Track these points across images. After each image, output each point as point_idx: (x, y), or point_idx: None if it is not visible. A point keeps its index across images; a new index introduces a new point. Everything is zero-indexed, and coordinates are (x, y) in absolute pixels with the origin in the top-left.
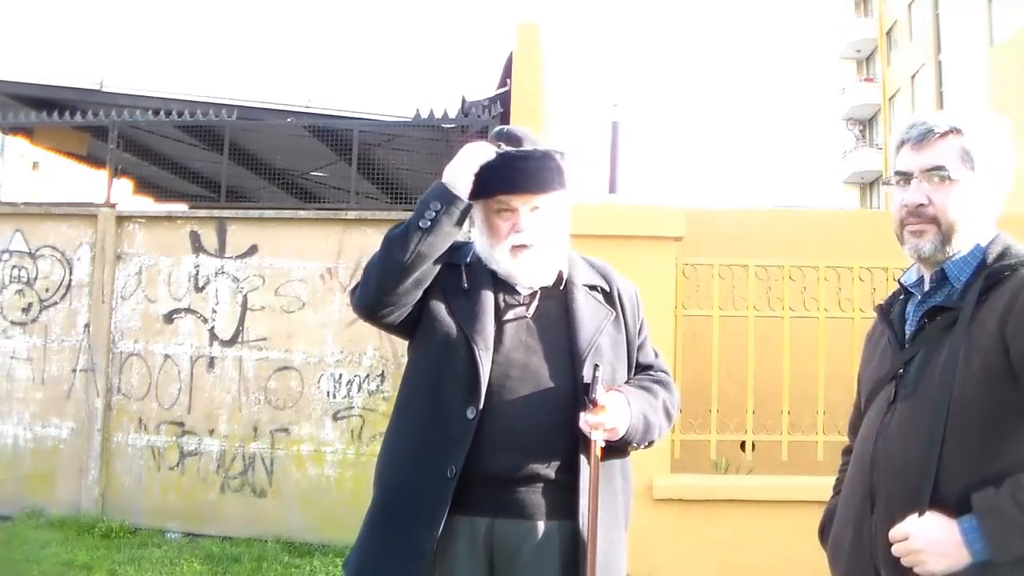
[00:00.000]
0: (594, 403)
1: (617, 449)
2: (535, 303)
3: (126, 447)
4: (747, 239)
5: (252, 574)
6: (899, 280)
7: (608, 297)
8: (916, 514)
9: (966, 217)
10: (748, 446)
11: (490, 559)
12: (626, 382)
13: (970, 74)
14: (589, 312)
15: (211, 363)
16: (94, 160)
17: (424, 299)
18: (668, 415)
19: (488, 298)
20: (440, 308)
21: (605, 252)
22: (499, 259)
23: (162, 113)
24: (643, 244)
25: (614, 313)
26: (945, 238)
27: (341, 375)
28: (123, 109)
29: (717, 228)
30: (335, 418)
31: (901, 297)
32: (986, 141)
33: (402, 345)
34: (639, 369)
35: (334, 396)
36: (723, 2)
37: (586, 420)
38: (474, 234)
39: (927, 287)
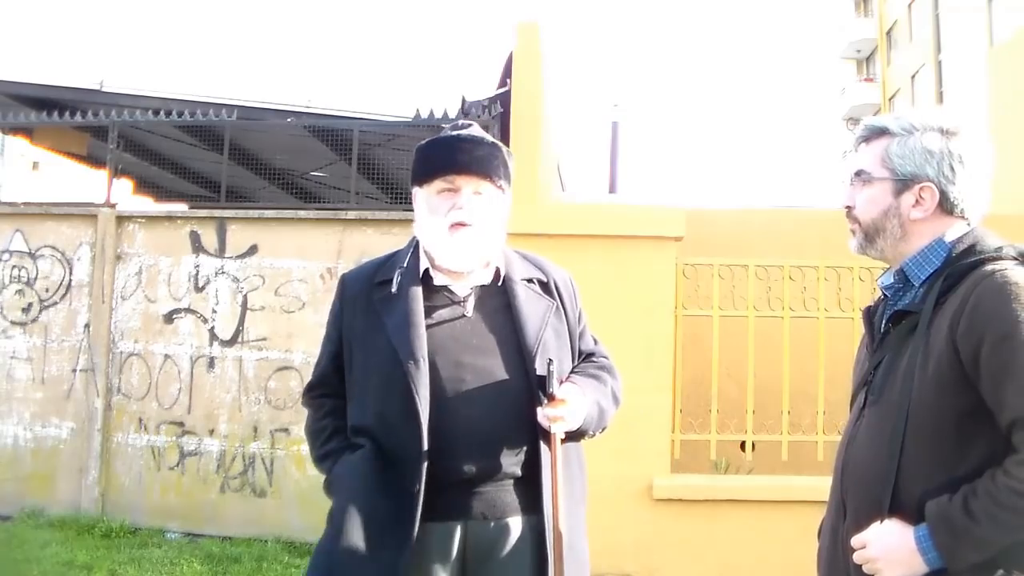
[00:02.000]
0: (551, 397)
1: (570, 437)
2: (473, 301)
3: (126, 447)
4: (747, 239)
5: (252, 574)
6: (878, 282)
7: (546, 288)
8: (878, 521)
9: (882, 217)
10: (748, 446)
11: (462, 561)
12: (572, 371)
13: (970, 74)
14: (531, 306)
15: (211, 363)
16: (94, 160)
17: (348, 330)
18: (616, 400)
19: (417, 304)
20: (369, 332)
21: (605, 252)
22: (436, 238)
23: (162, 113)
24: (643, 244)
25: (555, 303)
26: (868, 237)
27: None
28: (123, 109)
29: (717, 228)
30: None
31: (883, 299)
32: (912, 141)
33: None
34: (581, 357)
35: None
36: (723, 2)
37: (545, 414)
38: (415, 226)
39: (896, 288)
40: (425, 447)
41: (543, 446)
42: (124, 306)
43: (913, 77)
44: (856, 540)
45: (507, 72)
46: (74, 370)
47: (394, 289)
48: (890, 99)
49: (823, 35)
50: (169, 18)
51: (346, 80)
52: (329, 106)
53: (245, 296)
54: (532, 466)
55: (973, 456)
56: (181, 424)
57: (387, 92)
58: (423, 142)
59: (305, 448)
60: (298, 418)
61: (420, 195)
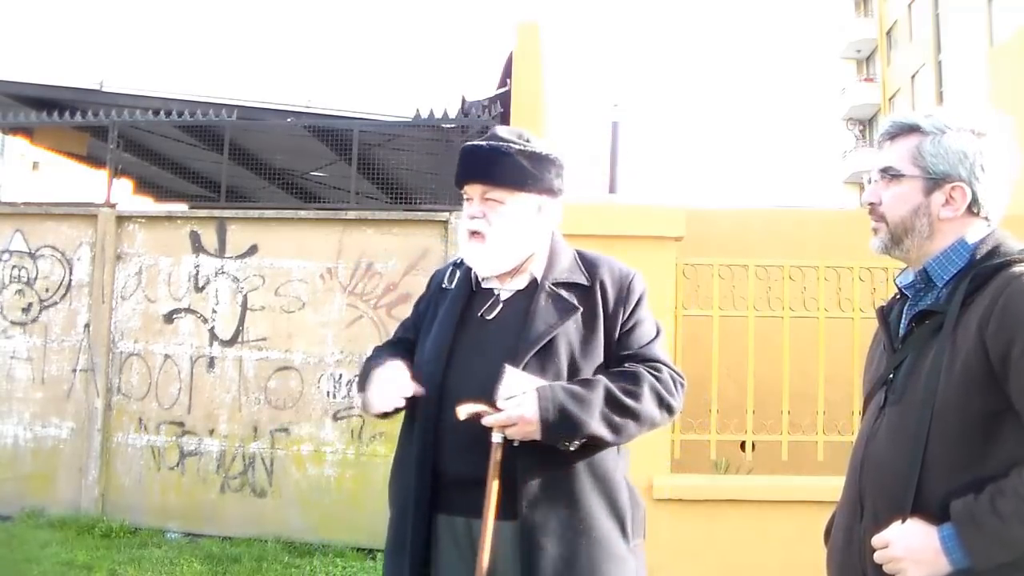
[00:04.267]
0: (493, 404)
1: (588, 447)
2: (499, 306)
3: (126, 447)
4: (747, 239)
5: (252, 574)
6: (895, 281)
7: (585, 292)
8: (899, 521)
9: (912, 215)
10: (748, 446)
11: (475, 555)
12: (578, 379)
13: (970, 74)
14: (544, 312)
15: (211, 363)
16: (94, 160)
17: (419, 322)
18: (623, 407)
19: (455, 304)
20: (427, 326)
21: (605, 252)
22: (461, 244)
23: (162, 113)
24: (643, 244)
25: (579, 310)
26: (894, 236)
27: (341, 375)
28: (123, 109)
29: (717, 228)
30: (335, 418)
31: (899, 298)
32: (946, 141)
33: None
34: (621, 360)
35: (334, 396)
36: (723, 2)
37: (485, 420)
38: None
39: (916, 288)
40: (420, 443)
41: (519, 447)
42: (124, 306)
43: (913, 77)
44: (878, 540)
45: (507, 72)
46: (74, 370)
47: (448, 285)
48: (890, 99)
49: (823, 35)
50: (169, 18)
51: (346, 80)
52: (329, 106)
53: (245, 296)
54: (512, 472)
55: (999, 455)
56: (181, 424)
57: (387, 92)
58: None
59: (305, 448)
60: (298, 418)
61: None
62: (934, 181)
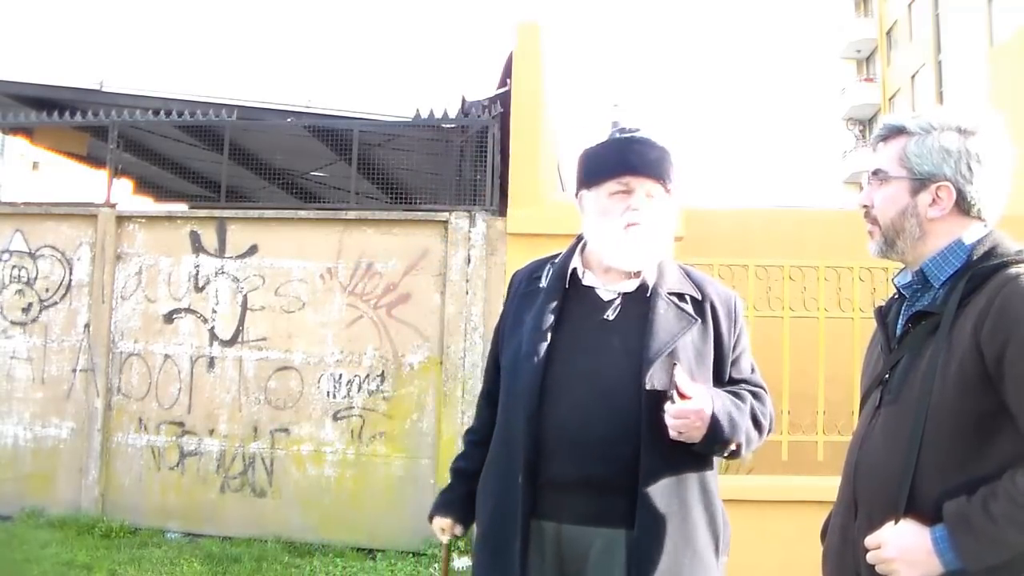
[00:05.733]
0: (680, 394)
1: (700, 455)
2: (616, 307)
3: (126, 447)
4: (747, 239)
5: (252, 574)
6: (893, 281)
7: (698, 305)
8: (892, 521)
9: (900, 217)
10: None
11: (560, 563)
12: (727, 389)
13: (970, 74)
14: (666, 320)
15: (211, 363)
16: (94, 160)
17: (502, 327)
18: (757, 424)
19: (550, 302)
20: (513, 326)
21: None
22: (610, 238)
23: (162, 113)
24: None
25: (697, 321)
26: (887, 239)
27: (341, 375)
28: (123, 109)
29: (717, 228)
30: (335, 418)
31: (897, 299)
32: (930, 140)
33: (402, 345)
34: (731, 383)
35: (334, 396)
36: (723, 2)
37: (670, 411)
38: (583, 226)
39: (914, 288)
40: (523, 444)
41: (643, 452)
42: (124, 306)
43: (913, 77)
44: (871, 540)
45: (507, 72)
46: (74, 370)
47: (543, 284)
48: (890, 99)
49: (823, 35)
50: (169, 18)
51: (346, 80)
52: (329, 106)
53: (245, 296)
54: (631, 479)
55: (992, 457)
56: (181, 424)
57: (387, 92)
58: (592, 145)
59: (305, 448)
60: (298, 418)
61: (589, 197)
62: (920, 181)
